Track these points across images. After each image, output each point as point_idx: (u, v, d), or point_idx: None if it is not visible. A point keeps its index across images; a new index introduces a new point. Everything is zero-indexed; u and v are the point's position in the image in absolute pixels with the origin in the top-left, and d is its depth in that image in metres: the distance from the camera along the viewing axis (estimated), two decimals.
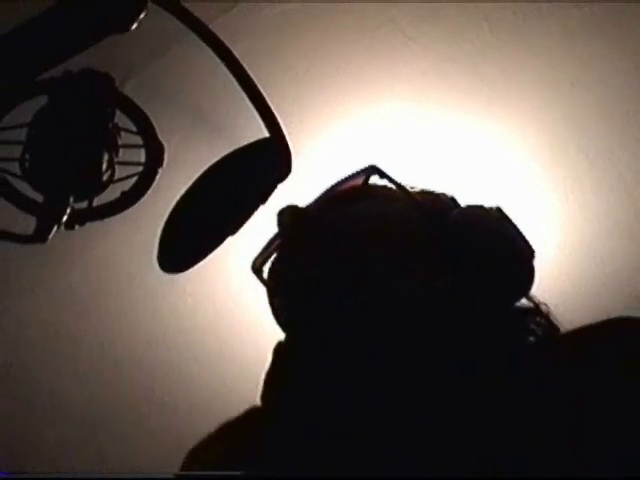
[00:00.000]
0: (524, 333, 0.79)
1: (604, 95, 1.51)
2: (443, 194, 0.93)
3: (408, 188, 0.91)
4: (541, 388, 0.69)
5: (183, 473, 0.81)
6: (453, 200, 0.93)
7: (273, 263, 0.91)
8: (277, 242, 0.91)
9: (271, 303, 0.90)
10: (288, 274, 0.86)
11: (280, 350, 0.84)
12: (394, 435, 0.70)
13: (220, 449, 0.80)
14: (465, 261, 0.81)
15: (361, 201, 0.88)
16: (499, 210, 0.88)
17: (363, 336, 0.75)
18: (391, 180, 0.90)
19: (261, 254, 0.93)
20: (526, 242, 0.86)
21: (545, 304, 0.82)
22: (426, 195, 0.91)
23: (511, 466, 0.64)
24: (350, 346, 0.76)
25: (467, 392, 0.70)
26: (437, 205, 0.89)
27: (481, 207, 0.88)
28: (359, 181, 0.92)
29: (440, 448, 0.68)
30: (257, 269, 0.93)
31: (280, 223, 0.90)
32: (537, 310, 0.81)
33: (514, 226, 0.87)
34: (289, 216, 0.88)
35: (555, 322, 0.81)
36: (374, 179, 0.93)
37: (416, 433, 0.69)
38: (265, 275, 0.93)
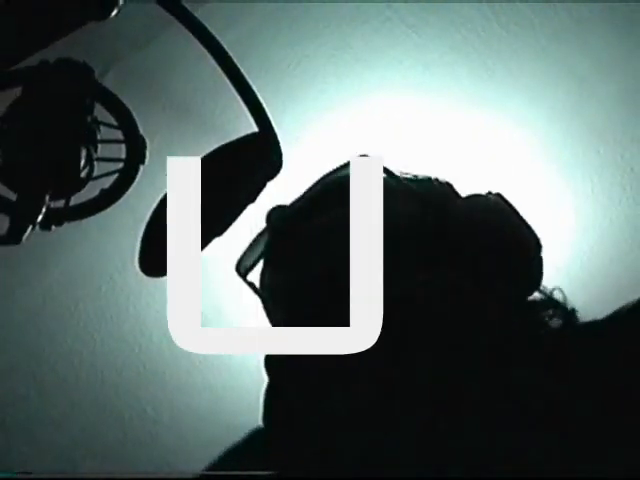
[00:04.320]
0: (535, 327, 0.78)
1: (616, 91, 1.51)
2: (439, 181, 0.93)
3: (404, 176, 0.90)
4: (553, 384, 0.69)
5: (204, 473, 0.81)
6: (450, 186, 0.92)
7: (264, 268, 0.90)
8: (263, 243, 0.91)
9: (264, 307, 0.89)
10: (280, 280, 0.85)
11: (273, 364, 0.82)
12: (397, 435, 0.70)
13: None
14: (470, 256, 0.80)
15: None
16: (501, 198, 0.87)
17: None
18: (388, 172, 0.89)
19: (246, 256, 0.92)
20: (531, 231, 0.86)
21: (559, 289, 0.81)
22: (423, 183, 0.90)
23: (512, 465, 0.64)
24: (350, 361, 0.75)
25: (476, 390, 0.70)
26: (436, 195, 0.88)
27: (482, 196, 0.87)
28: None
29: (444, 445, 0.68)
30: (243, 273, 0.92)
31: (269, 224, 0.89)
32: (549, 300, 0.80)
33: (518, 215, 0.86)
34: (279, 218, 0.88)
35: (569, 309, 0.80)
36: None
37: (422, 434, 0.69)
38: (252, 278, 0.92)
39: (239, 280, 0.94)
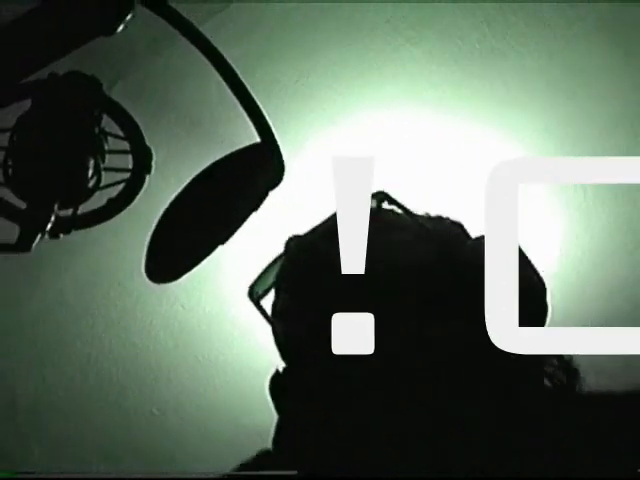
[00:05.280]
0: (538, 376, 0.77)
1: (610, 104, 1.51)
2: (452, 221, 0.91)
3: (417, 214, 0.89)
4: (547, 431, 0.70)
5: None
6: (461, 227, 0.91)
7: (277, 295, 0.89)
8: (277, 270, 0.89)
9: (274, 333, 0.87)
10: (293, 309, 0.84)
11: (278, 384, 0.82)
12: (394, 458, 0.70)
13: None
14: (478, 298, 0.78)
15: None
16: None
17: (370, 379, 0.74)
18: (402, 208, 0.88)
19: (259, 282, 0.91)
20: (538, 276, 0.84)
21: (570, 356, 0.80)
22: (435, 222, 0.89)
23: None
24: (356, 388, 0.75)
25: (474, 430, 0.70)
26: (450, 237, 0.87)
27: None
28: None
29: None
30: (256, 299, 0.90)
31: (287, 255, 0.87)
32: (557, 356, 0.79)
33: (526, 259, 0.84)
34: (296, 248, 0.86)
35: (578, 371, 0.79)
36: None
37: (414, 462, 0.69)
38: (263, 302, 0.90)
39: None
